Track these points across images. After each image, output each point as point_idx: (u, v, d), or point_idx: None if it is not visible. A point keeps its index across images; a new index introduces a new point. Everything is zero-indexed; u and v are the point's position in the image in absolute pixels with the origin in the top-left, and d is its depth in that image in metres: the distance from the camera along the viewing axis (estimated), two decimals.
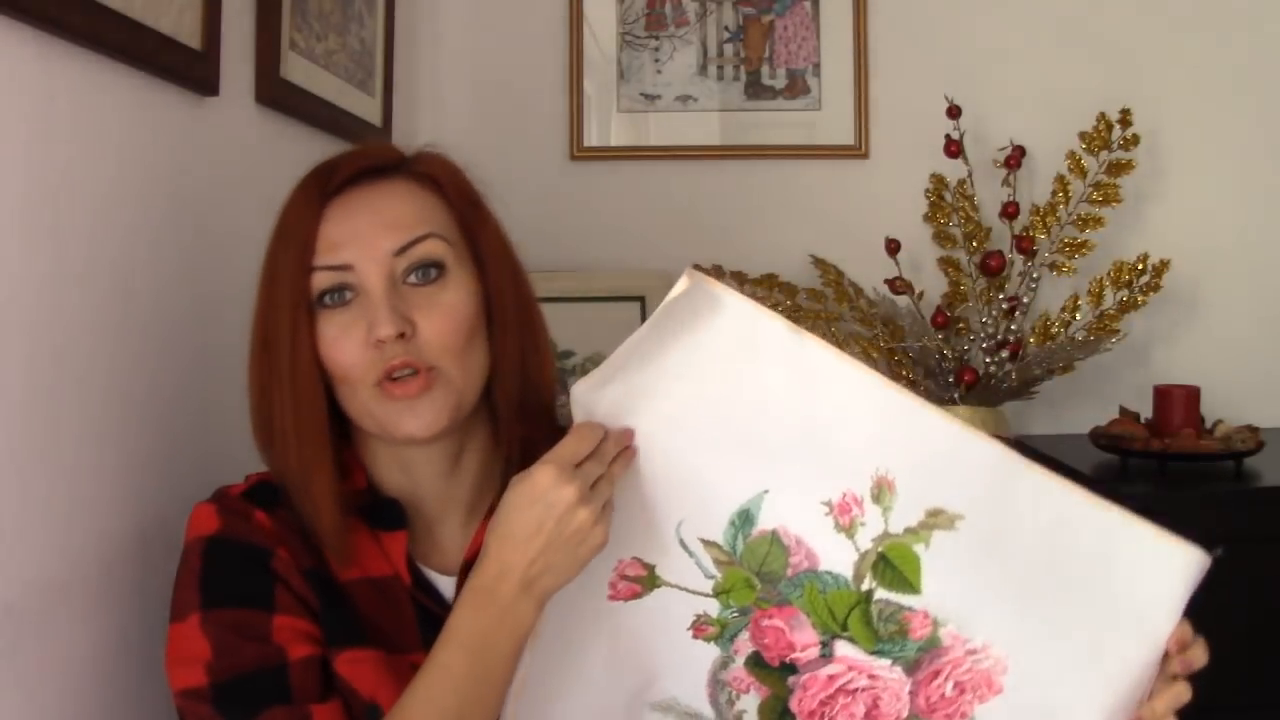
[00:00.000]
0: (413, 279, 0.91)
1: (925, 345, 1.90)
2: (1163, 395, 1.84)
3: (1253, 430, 1.79)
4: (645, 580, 0.89)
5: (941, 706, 0.85)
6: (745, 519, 0.86)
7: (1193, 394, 1.82)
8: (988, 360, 1.89)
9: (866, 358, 1.92)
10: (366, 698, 0.89)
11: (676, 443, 0.86)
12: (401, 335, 0.89)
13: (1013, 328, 1.89)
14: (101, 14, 0.95)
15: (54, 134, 0.92)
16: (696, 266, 0.91)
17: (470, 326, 0.93)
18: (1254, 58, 2.10)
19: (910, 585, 0.84)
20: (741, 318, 0.84)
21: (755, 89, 2.13)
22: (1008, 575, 0.83)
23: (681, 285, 0.86)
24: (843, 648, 0.86)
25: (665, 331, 0.85)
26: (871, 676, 0.86)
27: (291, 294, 0.90)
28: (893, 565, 0.84)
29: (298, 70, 1.42)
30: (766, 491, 0.85)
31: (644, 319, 2.04)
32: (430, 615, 0.94)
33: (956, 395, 1.88)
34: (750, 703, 0.89)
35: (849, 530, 0.84)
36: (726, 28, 2.13)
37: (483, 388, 0.95)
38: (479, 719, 0.84)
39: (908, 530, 0.84)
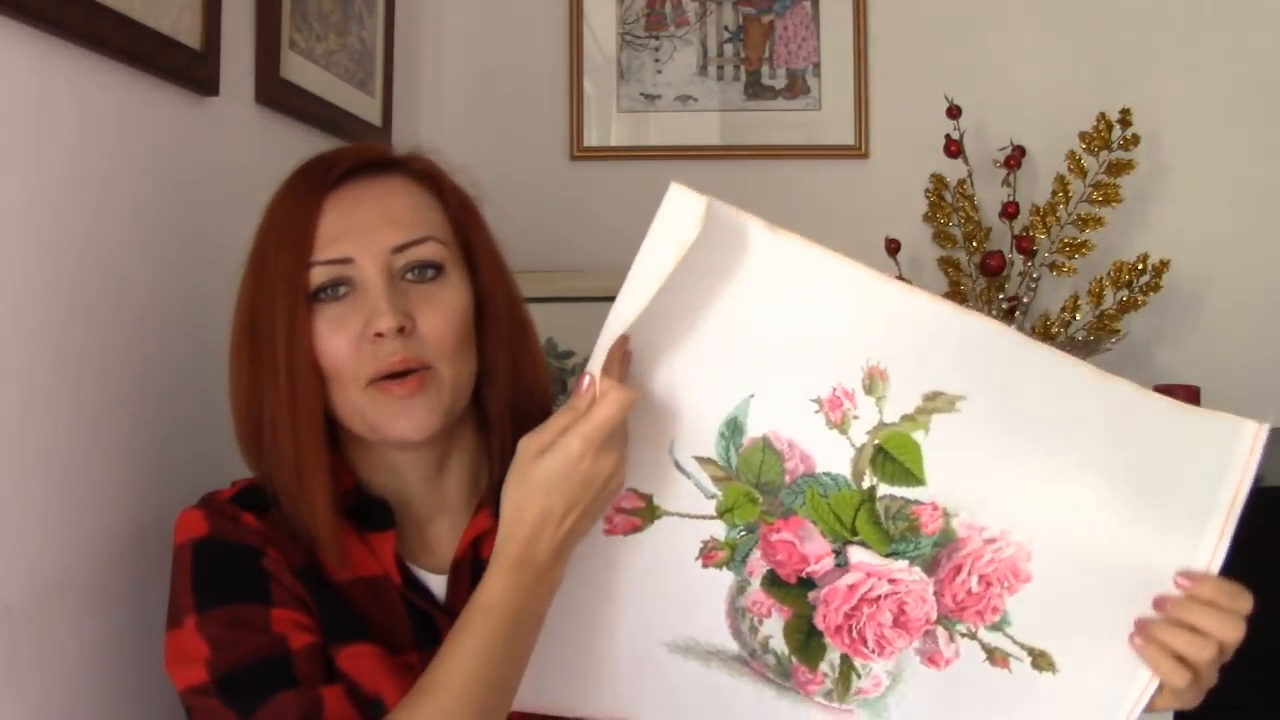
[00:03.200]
0: (410, 276, 0.90)
1: None
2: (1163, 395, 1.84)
3: None
4: (644, 512, 0.85)
5: (970, 603, 0.83)
6: (734, 428, 0.82)
7: (1192, 394, 1.82)
8: None
9: None
10: (370, 692, 0.88)
11: (657, 360, 0.81)
12: (401, 329, 0.87)
13: (1013, 328, 1.89)
14: (101, 14, 0.96)
15: (54, 134, 0.92)
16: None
17: (465, 327, 0.92)
18: (1254, 58, 2.10)
19: (913, 476, 0.80)
20: (713, 220, 0.76)
21: (755, 89, 2.13)
22: (1017, 456, 0.80)
23: (665, 201, 0.77)
24: (857, 554, 0.83)
25: (650, 254, 0.78)
26: (892, 581, 0.83)
27: (288, 289, 0.88)
28: (892, 457, 0.80)
29: (298, 70, 1.42)
30: (752, 396, 0.81)
31: None
32: (422, 614, 0.93)
33: None
34: (774, 626, 0.86)
35: (841, 426, 0.80)
36: (726, 28, 2.13)
37: (472, 391, 0.94)
38: (512, 681, 0.83)
39: (904, 418, 0.79)
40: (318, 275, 0.89)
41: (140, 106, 1.06)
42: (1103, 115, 1.97)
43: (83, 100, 0.96)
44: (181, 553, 0.89)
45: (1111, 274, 1.95)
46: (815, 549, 0.83)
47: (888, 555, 0.83)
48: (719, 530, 0.84)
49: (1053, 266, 1.97)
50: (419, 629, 0.93)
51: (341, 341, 0.88)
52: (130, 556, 1.02)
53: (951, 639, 0.84)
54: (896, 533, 0.82)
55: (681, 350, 0.80)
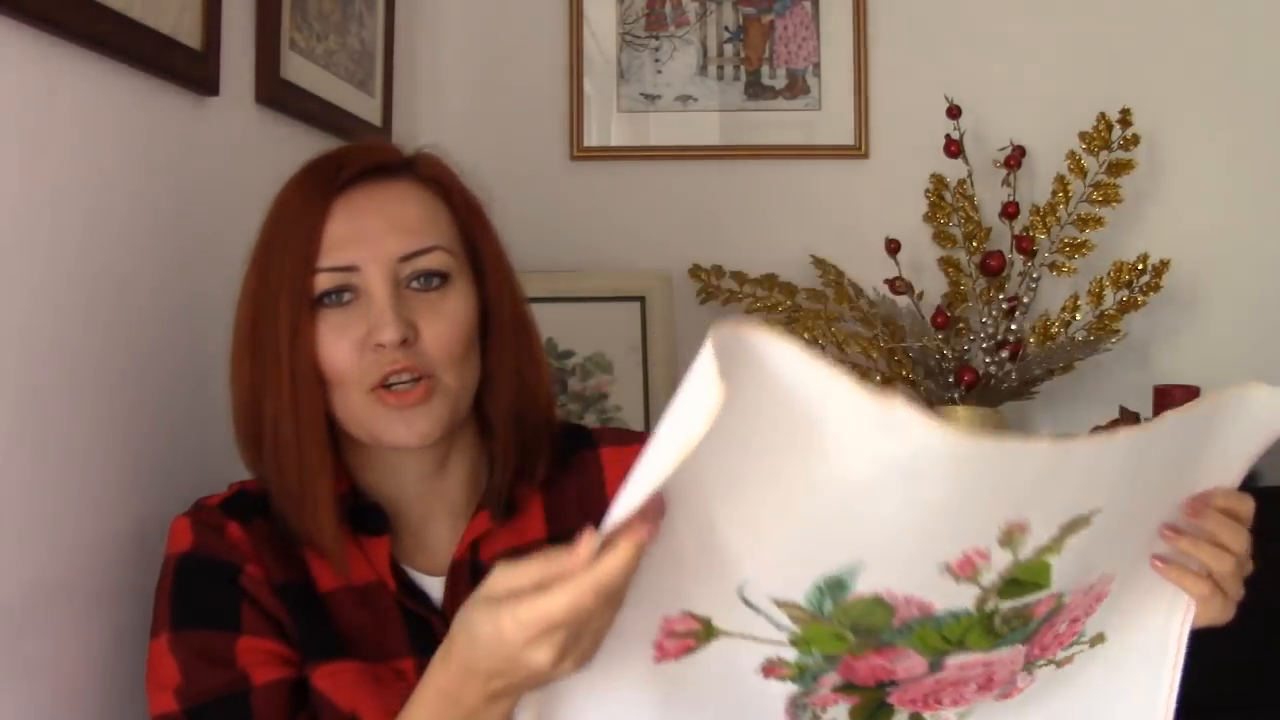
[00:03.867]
0: (415, 285, 0.90)
1: (925, 345, 1.90)
2: (1163, 395, 1.84)
3: None
4: (701, 633, 0.74)
5: (1054, 644, 0.80)
6: (837, 586, 0.69)
7: (1192, 394, 1.82)
8: (988, 360, 1.89)
9: (866, 358, 1.92)
10: (346, 710, 0.88)
11: (733, 495, 0.67)
12: (405, 341, 0.87)
13: (1013, 328, 1.89)
14: (101, 14, 0.95)
15: (54, 134, 0.92)
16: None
17: (469, 335, 0.92)
18: (1254, 58, 2.09)
19: (1040, 587, 0.72)
20: (802, 379, 0.60)
21: (755, 89, 2.13)
22: (1131, 529, 0.76)
23: (709, 350, 0.59)
24: (955, 658, 0.75)
25: (672, 421, 0.62)
26: (986, 664, 0.77)
27: (292, 293, 0.88)
28: (1021, 582, 0.71)
29: (298, 70, 1.42)
30: (862, 563, 0.68)
31: (644, 319, 2.07)
32: (417, 618, 0.93)
33: (956, 395, 1.88)
34: (839, 712, 0.79)
35: (972, 577, 0.69)
36: (726, 28, 2.13)
37: (474, 397, 0.94)
38: None
39: (1039, 549, 0.70)
40: (323, 281, 0.88)
41: (140, 106, 1.06)
42: (1103, 115, 1.97)
43: (83, 100, 0.96)
44: (166, 564, 0.90)
45: (1111, 274, 1.95)
46: (908, 666, 0.75)
47: (990, 649, 0.75)
48: (788, 654, 0.74)
49: (1053, 266, 1.97)
50: (413, 633, 0.92)
51: (344, 347, 0.88)
52: (131, 556, 1.02)
53: (1030, 674, 0.81)
54: (1007, 631, 0.74)
55: (769, 496, 0.66)
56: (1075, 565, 0.72)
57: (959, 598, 0.70)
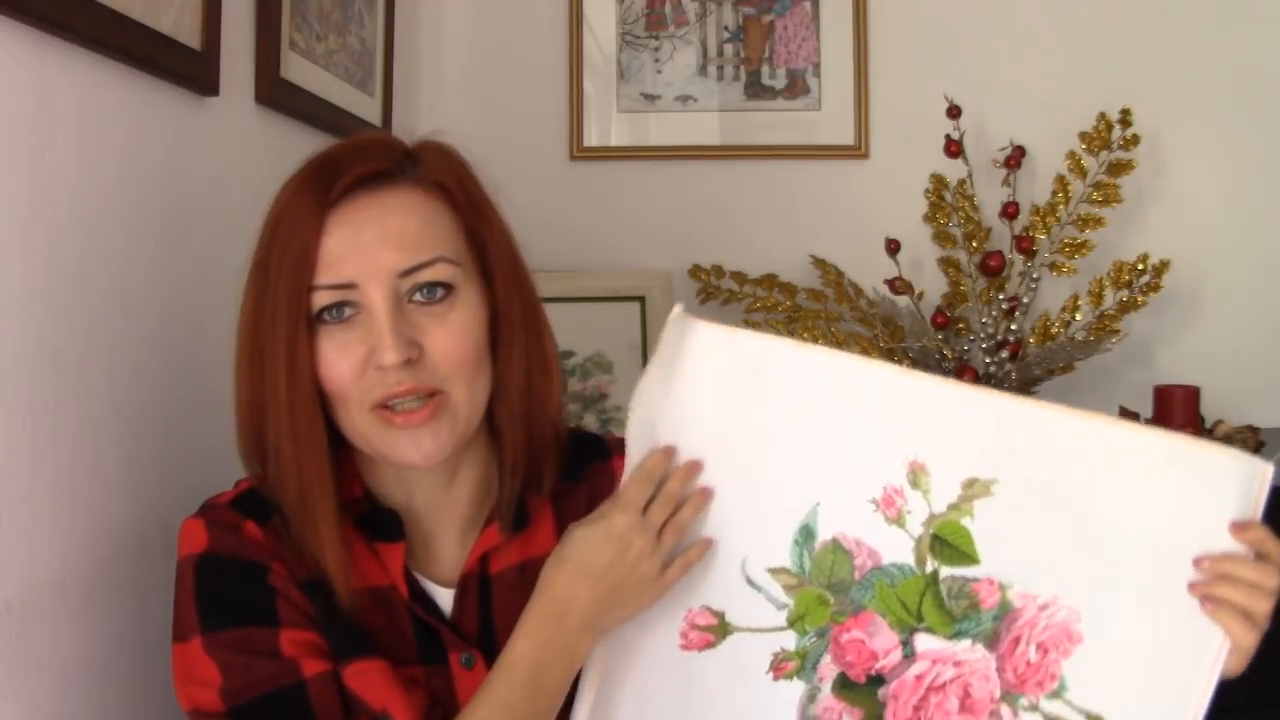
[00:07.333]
0: (419, 297, 0.87)
1: (925, 345, 1.90)
2: (1163, 395, 1.84)
3: (1253, 430, 1.79)
4: (717, 629, 0.91)
5: (1030, 674, 0.87)
6: (807, 534, 0.90)
7: (1193, 394, 1.82)
8: (988, 360, 1.89)
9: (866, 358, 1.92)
10: (378, 709, 0.87)
11: (725, 480, 0.91)
12: (408, 361, 0.85)
13: (1013, 328, 1.89)
14: (101, 14, 0.95)
15: (54, 134, 0.92)
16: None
17: (478, 345, 0.89)
18: (1254, 58, 2.09)
19: (968, 557, 0.88)
20: (742, 348, 0.90)
21: (755, 89, 2.13)
22: (1052, 526, 0.86)
23: (673, 327, 0.91)
24: (923, 641, 0.89)
25: (675, 373, 0.91)
26: (956, 664, 0.88)
27: (289, 310, 0.85)
28: (948, 543, 0.88)
29: (298, 70, 1.42)
30: (819, 504, 0.90)
31: (644, 319, 2.06)
32: (427, 627, 0.92)
33: None
34: None
35: (899, 520, 0.89)
36: (726, 28, 2.13)
37: (486, 407, 0.92)
38: None
39: (950, 507, 0.88)
40: (320, 298, 0.86)
41: (140, 106, 1.06)
42: (1103, 115, 1.97)
43: (83, 100, 0.96)
44: (184, 567, 0.87)
45: (1111, 274, 1.95)
46: (884, 642, 0.89)
47: (952, 637, 0.88)
48: (789, 640, 0.90)
49: (1053, 266, 1.97)
50: (423, 642, 0.91)
51: (345, 366, 0.86)
52: (131, 557, 1.02)
53: (1015, 714, 0.88)
54: (959, 612, 0.88)
55: (748, 474, 0.91)
56: (1001, 547, 0.87)
57: (897, 546, 0.89)
